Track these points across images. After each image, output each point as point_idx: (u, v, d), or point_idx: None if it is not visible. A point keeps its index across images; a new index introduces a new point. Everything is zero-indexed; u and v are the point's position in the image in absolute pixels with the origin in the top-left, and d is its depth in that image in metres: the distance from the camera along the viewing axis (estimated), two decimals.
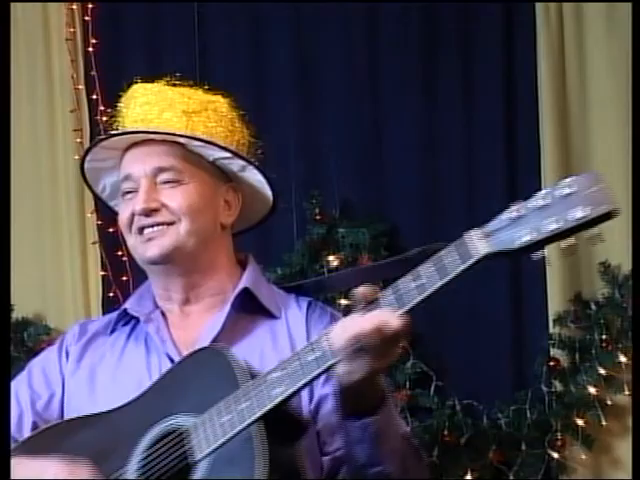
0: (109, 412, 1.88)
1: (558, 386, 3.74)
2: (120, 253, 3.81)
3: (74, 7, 4.00)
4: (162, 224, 1.95)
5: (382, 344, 1.65)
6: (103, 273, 3.92)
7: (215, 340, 1.92)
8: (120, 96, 2.07)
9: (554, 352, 3.77)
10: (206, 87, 2.06)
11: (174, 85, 2.04)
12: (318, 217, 3.88)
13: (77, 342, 2.05)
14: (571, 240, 1.57)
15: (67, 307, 3.93)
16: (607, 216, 1.53)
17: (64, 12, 3.99)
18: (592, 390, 3.69)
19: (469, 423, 3.69)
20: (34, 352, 3.71)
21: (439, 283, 1.62)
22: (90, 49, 3.99)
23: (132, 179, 1.98)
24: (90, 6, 4.00)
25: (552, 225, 1.55)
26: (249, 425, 1.69)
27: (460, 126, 3.96)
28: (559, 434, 3.69)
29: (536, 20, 3.89)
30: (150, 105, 2.00)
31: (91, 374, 2.00)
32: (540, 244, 1.57)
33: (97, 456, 1.81)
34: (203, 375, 1.79)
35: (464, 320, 3.82)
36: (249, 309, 1.98)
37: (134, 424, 1.83)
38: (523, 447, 3.68)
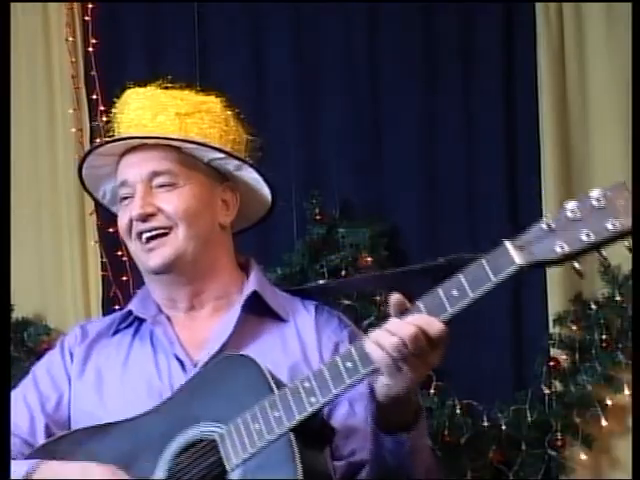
0: (130, 420, 1.86)
1: (558, 386, 3.74)
2: (120, 253, 3.81)
3: (74, 7, 4.00)
4: (159, 229, 1.95)
5: (424, 349, 1.65)
6: (103, 273, 3.92)
7: (226, 343, 1.92)
8: (114, 102, 2.07)
9: (554, 352, 3.77)
10: (198, 88, 2.07)
11: (166, 88, 2.04)
12: (318, 217, 3.88)
13: (80, 343, 2.04)
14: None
15: (67, 307, 3.93)
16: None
17: (64, 12, 3.99)
18: (592, 390, 3.69)
19: (469, 423, 3.69)
20: (34, 352, 3.73)
21: (472, 295, 1.63)
22: (90, 49, 3.98)
23: (128, 185, 1.98)
24: (90, 6, 4.00)
25: (586, 237, 1.56)
26: (284, 433, 1.69)
27: (460, 126, 3.96)
28: (559, 434, 3.69)
29: (536, 20, 3.89)
30: (143, 109, 2.01)
31: (97, 375, 2.00)
32: (574, 256, 1.58)
33: (121, 464, 1.81)
34: (230, 383, 1.78)
35: (464, 320, 3.81)
36: (257, 312, 1.98)
37: (158, 432, 1.82)
38: (523, 447, 3.68)
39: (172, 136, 1.97)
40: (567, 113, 3.88)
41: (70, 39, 3.98)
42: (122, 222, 2.00)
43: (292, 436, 1.70)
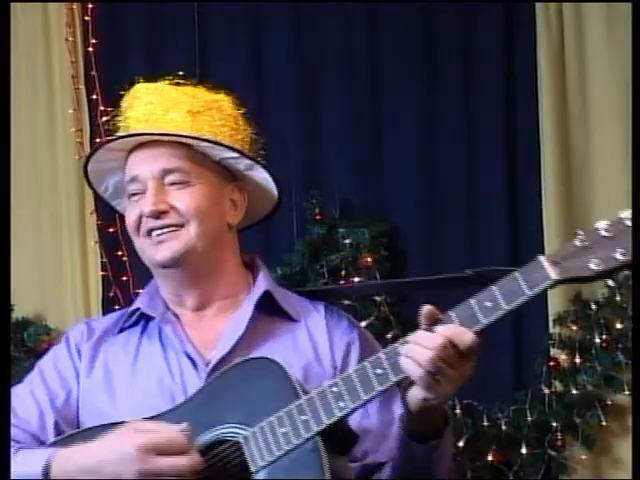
0: (148, 419, 1.84)
1: (558, 386, 3.74)
2: (120, 253, 3.81)
3: (74, 7, 4.00)
4: (171, 226, 1.95)
5: (457, 360, 1.65)
6: (103, 273, 3.91)
7: (238, 342, 1.92)
8: (122, 96, 2.06)
9: (554, 352, 3.77)
10: (209, 85, 2.06)
11: (177, 84, 2.03)
12: (318, 217, 3.88)
13: (88, 341, 2.03)
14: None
15: (67, 307, 3.93)
16: None
17: (64, 12, 3.99)
18: (592, 390, 3.69)
19: (469, 423, 3.69)
20: (34, 352, 3.73)
21: (506, 307, 1.65)
22: (90, 49, 3.98)
23: (139, 181, 1.97)
24: (90, 6, 3.99)
25: (622, 257, 1.59)
26: (311, 437, 1.70)
27: (460, 126, 3.96)
28: (559, 434, 3.69)
29: (536, 20, 3.89)
30: (154, 105, 1.99)
31: (106, 373, 1.99)
32: (607, 274, 1.61)
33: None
34: (255, 385, 1.78)
35: None
36: (268, 312, 1.98)
37: None
38: (523, 447, 3.68)
39: (186, 133, 1.96)
40: (567, 113, 3.88)
41: (70, 39, 3.97)
42: (131, 218, 1.99)
43: (319, 440, 1.70)
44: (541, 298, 3.78)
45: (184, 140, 1.97)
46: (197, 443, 1.77)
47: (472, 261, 3.84)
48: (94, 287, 3.93)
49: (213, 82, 2.10)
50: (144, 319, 2.03)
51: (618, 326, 3.71)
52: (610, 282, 1.64)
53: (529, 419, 3.69)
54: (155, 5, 4.05)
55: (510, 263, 3.63)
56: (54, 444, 1.91)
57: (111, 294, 3.88)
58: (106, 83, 3.91)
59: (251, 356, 1.85)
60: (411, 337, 1.68)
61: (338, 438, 1.74)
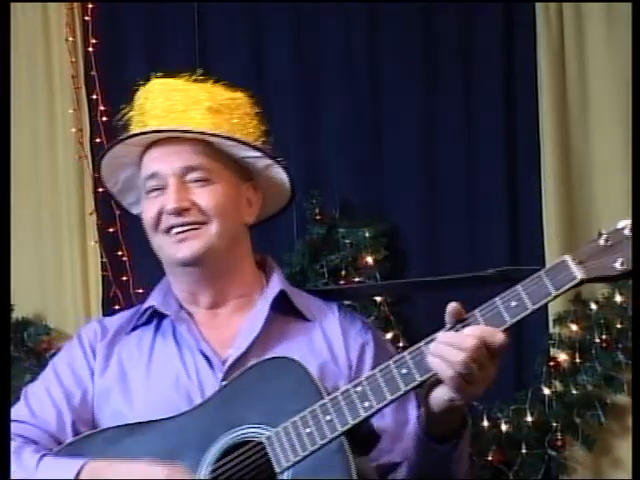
0: (167, 419, 1.84)
1: (558, 386, 3.74)
2: (120, 253, 3.82)
3: (74, 7, 4.00)
4: (192, 224, 1.93)
5: (487, 361, 1.65)
6: (103, 273, 3.91)
7: (254, 341, 1.91)
8: (136, 90, 2.04)
9: (554, 352, 3.77)
10: (227, 83, 2.05)
11: (195, 81, 2.02)
12: (318, 217, 3.88)
13: (102, 340, 2.01)
14: None
15: (67, 307, 3.93)
16: None
17: (64, 12, 3.99)
18: (592, 390, 3.69)
19: (469, 423, 3.68)
20: (34, 352, 3.73)
21: (532, 307, 1.65)
22: (90, 49, 3.98)
23: (159, 177, 1.95)
24: (90, 6, 4.00)
25: None
26: (336, 437, 1.69)
27: (460, 126, 3.96)
28: (559, 434, 3.69)
29: (536, 20, 3.89)
30: (174, 101, 1.98)
31: (121, 372, 1.97)
32: (632, 273, 1.61)
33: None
34: (276, 385, 1.77)
35: None
36: (282, 312, 1.97)
37: (199, 433, 1.80)
38: (523, 447, 3.68)
39: (209, 131, 1.95)
40: (567, 113, 3.88)
41: (70, 39, 3.97)
42: (149, 214, 1.97)
43: (344, 440, 1.70)
44: None
45: (209, 138, 1.95)
46: (219, 444, 1.77)
47: (472, 261, 3.85)
48: (94, 287, 3.93)
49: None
50: (157, 317, 2.01)
51: (618, 326, 3.71)
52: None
53: (529, 419, 3.69)
54: (155, 5, 4.05)
55: (510, 263, 3.63)
56: (72, 444, 1.90)
57: (111, 294, 3.88)
58: (106, 83, 3.92)
59: (268, 356, 1.85)
60: (439, 336, 1.68)
61: (361, 438, 1.73)
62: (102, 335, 2.02)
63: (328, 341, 1.96)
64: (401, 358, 1.70)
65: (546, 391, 3.72)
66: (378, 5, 3.99)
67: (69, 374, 1.99)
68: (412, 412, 1.90)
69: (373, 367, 1.81)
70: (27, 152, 3.95)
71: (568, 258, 1.63)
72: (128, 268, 3.79)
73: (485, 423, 3.70)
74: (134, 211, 2.12)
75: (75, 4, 4.00)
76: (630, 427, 3.67)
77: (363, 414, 1.69)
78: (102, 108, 3.88)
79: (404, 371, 1.69)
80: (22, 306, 3.77)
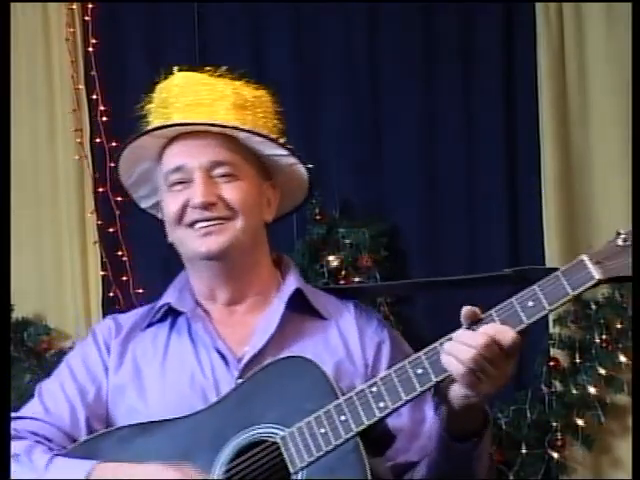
0: (181, 418, 1.84)
1: (558, 386, 3.74)
2: (120, 253, 3.81)
3: (74, 7, 4.00)
4: (218, 219, 1.93)
5: (499, 358, 1.65)
6: (103, 273, 3.91)
7: (270, 339, 1.91)
8: (156, 83, 2.02)
9: (554, 352, 3.77)
10: (251, 80, 2.03)
11: (220, 77, 2.01)
12: (318, 217, 3.88)
13: (116, 337, 2.01)
14: None
15: (67, 307, 3.92)
16: None
17: (64, 12, 3.99)
18: (592, 390, 3.69)
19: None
20: (34, 352, 3.73)
21: (549, 307, 1.64)
22: (90, 49, 3.98)
23: (184, 170, 1.94)
24: (90, 6, 3.99)
25: None
26: (351, 438, 1.69)
27: (460, 126, 3.95)
28: (559, 434, 3.69)
29: (536, 20, 3.89)
30: (200, 96, 1.96)
31: (135, 370, 1.96)
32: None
33: (175, 463, 1.79)
34: (291, 385, 1.77)
35: None
36: (298, 310, 1.97)
37: (212, 432, 1.80)
38: (523, 447, 3.68)
39: (241, 126, 1.94)
40: (567, 113, 3.88)
41: (70, 39, 3.97)
42: (173, 208, 1.95)
43: (359, 440, 1.70)
44: None
45: (239, 134, 1.95)
46: (233, 444, 1.77)
47: (472, 261, 3.85)
48: (94, 287, 3.93)
49: None
50: (172, 314, 2.00)
51: (618, 326, 3.71)
52: None
53: (529, 419, 3.69)
54: (155, 5, 4.05)
55: (510, 263, 3.62)
56: (86, 442, 1.90)
57: (111, 294, 3.88)
58: (106, 83, 3.91)
59: (284, 354, 1.85)
60: (454, 335, 1.69)
61: (375, 438, 1.73)
62: (116, 332, 2.01)
63: (344, 339, 1.95)
64: (417, 358, 1.70)
65: (546, 391, 3.72)
66: (378, 5, 3.99)
67: (83, 370, 1.98)
68: (428, 411, 1.91)
69: (389, 366, 1.81)
70: (27, 152, 3.95)
71: (586, 258, 1.61)
72: (128, 268, 3.79)
73: None
74: (143, 205, 2.11)
75: (75, 4, 4.00)
76: (630, 427, 3.67)
77: (378, 414, 1.70)
78: (102, 108, 3.88)
79: (420, 371, 1.69)
80: (22, 306, 3.77)
